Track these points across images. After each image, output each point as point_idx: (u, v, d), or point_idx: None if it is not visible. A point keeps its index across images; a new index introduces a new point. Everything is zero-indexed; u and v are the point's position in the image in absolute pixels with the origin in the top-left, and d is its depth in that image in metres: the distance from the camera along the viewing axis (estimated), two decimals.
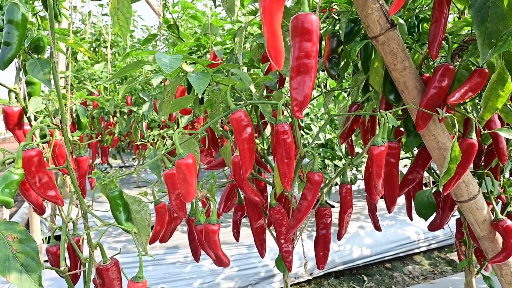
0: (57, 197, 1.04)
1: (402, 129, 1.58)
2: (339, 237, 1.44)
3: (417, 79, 1.26)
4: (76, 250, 1.45)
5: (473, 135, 1.23)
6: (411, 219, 1.91)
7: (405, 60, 1.24)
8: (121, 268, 1.24)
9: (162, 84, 3.44)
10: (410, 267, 4.12)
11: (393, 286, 3.74)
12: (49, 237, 1.52)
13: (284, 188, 1.12)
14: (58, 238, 1.49)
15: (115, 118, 4.04)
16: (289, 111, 1.19)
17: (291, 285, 3.57)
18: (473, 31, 1.12)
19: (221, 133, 1.71)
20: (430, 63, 1.38)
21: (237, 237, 1.57)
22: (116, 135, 4.03)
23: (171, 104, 1.19)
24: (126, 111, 3.69)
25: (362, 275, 3.91)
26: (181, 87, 1.74)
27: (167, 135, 3.49)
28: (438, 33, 1.17)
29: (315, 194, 1.22)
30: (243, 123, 1.07)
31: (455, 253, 4.41)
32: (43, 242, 3.33)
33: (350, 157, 1.65)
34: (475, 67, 1.21)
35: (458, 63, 1.25)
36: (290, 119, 1.10)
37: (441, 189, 1.51)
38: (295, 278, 3.58)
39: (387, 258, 4.04)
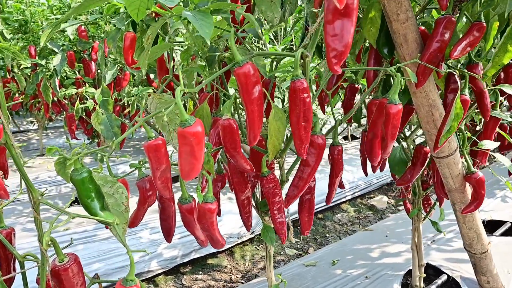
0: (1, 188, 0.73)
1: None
2: (328, 201, 1.37)
3: (417, 32, 1.18)
4: (8, 247, 1.13)
5: (466, 91, 1.23)
6: (366, 175, 1.95)
7: (408, 10, 1.14)
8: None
9: (77, 32, 2.86)
10: (339, 215, 4.45)
11: (326, 235, 4.00)
12: None
13: (300, 156, 0.97)
14: None
15: (11, 74, 3.30)
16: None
17: (234, 246, 3.56)
18: None
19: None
20: (424, 16, 1.31)
21: (218, 211, 1.39)
22: (15, 94, 3.32)
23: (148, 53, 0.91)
24: (29, 65, 3.01)
25: (298, 227, 4.09)
26: (131, 34, 1.40)
27: (87, 94, 2.98)
28: None
29: (319, 159, 1.10)
30: (252, 79, 0.86)
31: (374, 198, 4.89)
32: None
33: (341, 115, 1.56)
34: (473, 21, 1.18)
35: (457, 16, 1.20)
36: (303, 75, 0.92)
37: (415, 144, 1.53)
38: (238, 238, 3.57)
39: (319, 209, 4.27)
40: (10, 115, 6.49)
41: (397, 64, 1.01)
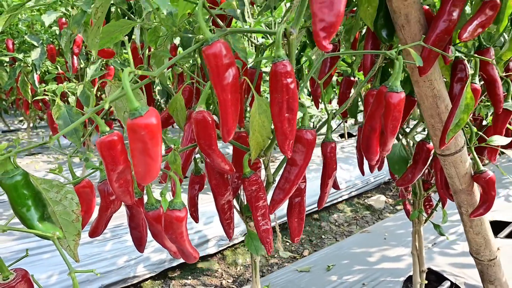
0: None
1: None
2: (320, 205, 1.22)
3: (421, 11, 1.03)
4: None
5: (476, 79, 1.08)
6: (363, 174, 1.81)
7: None
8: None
9: (58, 24, 2.70)
10: (335, 216, 4.30)
11: (322, 236, 3.86)
12: None
13: (284, 154, 0.81)
14: None
15: None
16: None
17: (226, 248, 3.41)
18: None
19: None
20: None
21: (196, 217, 1.24)
22: None
23: (100, 33, 0.76)
24: (7, 59, 2.85)
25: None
26: None
27: (68, 90, 2.81)
28: None
29: (307, 158, 0.95)
30: (224, 60, 0.71)
31: (371, 198, 4.75)
32: None
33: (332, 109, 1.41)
34: None
35: None
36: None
37: (422, 142, 1.39)
38: (229, 241, 3.42)
39: (315, 210, 4.13)
40: None
41: (399, 46, 0.86)
